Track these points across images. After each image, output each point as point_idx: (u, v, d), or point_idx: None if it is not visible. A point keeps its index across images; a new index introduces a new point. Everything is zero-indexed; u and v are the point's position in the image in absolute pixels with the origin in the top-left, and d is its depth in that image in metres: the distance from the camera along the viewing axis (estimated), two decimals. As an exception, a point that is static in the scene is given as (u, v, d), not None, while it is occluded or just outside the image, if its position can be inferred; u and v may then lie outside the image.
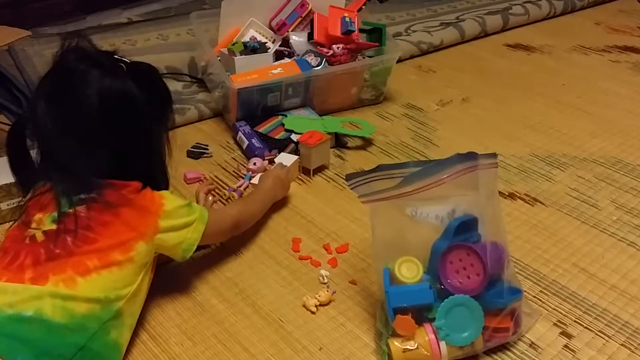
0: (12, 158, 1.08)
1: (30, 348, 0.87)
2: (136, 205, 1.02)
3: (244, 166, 1.53)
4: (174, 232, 1.05)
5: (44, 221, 0.98)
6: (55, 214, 0.98)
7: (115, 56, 1.07)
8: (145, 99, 1.04)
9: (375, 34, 1.80)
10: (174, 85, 1.85)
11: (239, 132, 1.61)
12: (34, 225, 0.98)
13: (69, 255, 0.94)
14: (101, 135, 1.01)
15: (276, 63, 1.69)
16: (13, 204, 1.31)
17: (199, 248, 1.11)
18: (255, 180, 1.43)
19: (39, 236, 0.96)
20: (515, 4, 2.50)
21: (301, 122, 1.63)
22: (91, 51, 1.06)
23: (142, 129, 1.06)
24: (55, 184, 1.00)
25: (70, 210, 0.97)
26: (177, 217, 1.06)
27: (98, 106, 1.00)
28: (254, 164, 1.50)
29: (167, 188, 1.13)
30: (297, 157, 1.49)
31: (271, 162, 1.52)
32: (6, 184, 1.29)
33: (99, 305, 0.94)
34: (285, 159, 1.48)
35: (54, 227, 0.97)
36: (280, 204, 1.40)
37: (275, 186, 1.36)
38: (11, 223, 1.05)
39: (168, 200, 1.06)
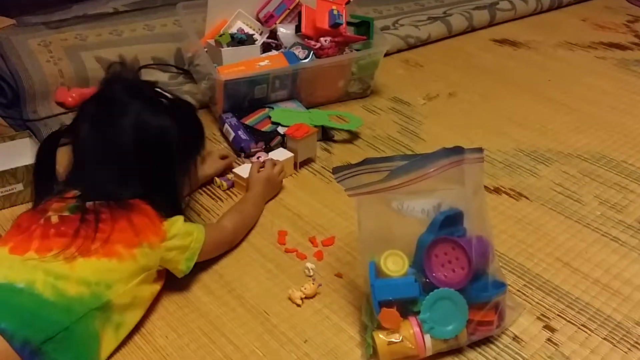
0: (39, 166, 1.15)
1: (16, 317, 0.90)
2: (146, 212, 1.06)
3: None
4: (178, 241, 1.09)
5: (63, 209, 1.04)
6: (73, 204, 1.04)
7: (157, 89, 1.15)
8: (178, 135, 1.11)
9: (363, 27, 1.80)
10: (160, 76, 1.84)
11: (225, 124, 1.60)
12: (51, 212, 1.03)
13: (76, 236, 0.98)
14: (132, 161, 1.07)
15: (263, 55, 1.68)
16: (6, 191, 1.33)
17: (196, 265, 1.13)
18: (238, 171, 1.41)
19: (54, 219, 1.03)
20: (502, -1, 2.50)
21: (288, 114, 1.62)
22: (136, 83, 1.15)
23: (170, 162, 1.12)
24: (82, 191, 1.06)
25: (89, 203, 1.03)
26: (180, 226, 1.10)
27: (133, 136, 1.07)
28: (258, 157, 1.49)
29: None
30: (292, 154, 1.48)
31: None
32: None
33: (89, 289, 0.96)
34: (280, 154, 1.47)
35: (70, 215, 1.03)
36: (266, 196, 1.41)
37: (266, 189, 1.37)
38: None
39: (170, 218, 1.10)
